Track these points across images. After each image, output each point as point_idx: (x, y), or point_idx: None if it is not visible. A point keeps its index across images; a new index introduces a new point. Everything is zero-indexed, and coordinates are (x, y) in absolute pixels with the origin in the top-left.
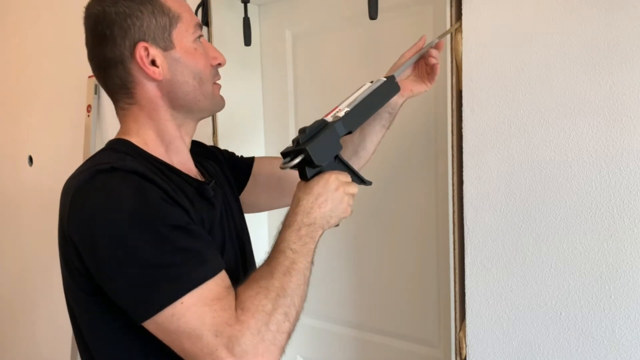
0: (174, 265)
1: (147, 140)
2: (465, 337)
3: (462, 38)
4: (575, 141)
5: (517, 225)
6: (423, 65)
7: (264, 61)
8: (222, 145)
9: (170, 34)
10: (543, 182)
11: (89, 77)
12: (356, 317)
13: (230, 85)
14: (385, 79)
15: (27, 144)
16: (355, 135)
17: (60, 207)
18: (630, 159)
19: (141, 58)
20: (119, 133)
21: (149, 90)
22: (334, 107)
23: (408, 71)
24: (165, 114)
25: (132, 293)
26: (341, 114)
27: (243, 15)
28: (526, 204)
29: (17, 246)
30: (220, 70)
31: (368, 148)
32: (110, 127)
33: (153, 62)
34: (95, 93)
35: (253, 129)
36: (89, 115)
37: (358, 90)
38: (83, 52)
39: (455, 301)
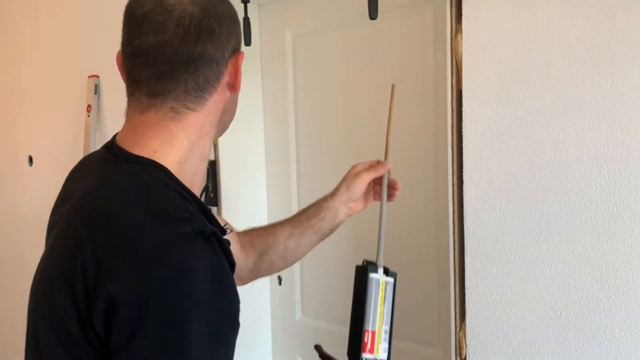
0: None
1: (181, 158)
2: (465, 337)
3: (462, 38)
4: (575, 141)
5: (517, 225)
6: (378, 188)
7: (264, 61)
8: (222, 145)
9: (239, 50)
10: (543, 182)
11: (89, 77)
12: None
13: None
14: (393, 280)
15: (27, 144)
16: (291, 241)
17: (89, 235)
18: (630, 159)
19: (239, 66)
20: (150, 140)
21: (221, 100)
22: (366, 329)
23: (362, 189)
24: (212, 129)
25: None
26: (384, 356)
27: (243, 15)
28: (526, 204)
29: (17, 246)
30: None
31: (299, 256)
32: (110, 127)
33: None
34: (95, 93)
35: (253, 128)
36: (89, 115)
37: (373, 295)
38: (83, 52)
39: (455, 301)
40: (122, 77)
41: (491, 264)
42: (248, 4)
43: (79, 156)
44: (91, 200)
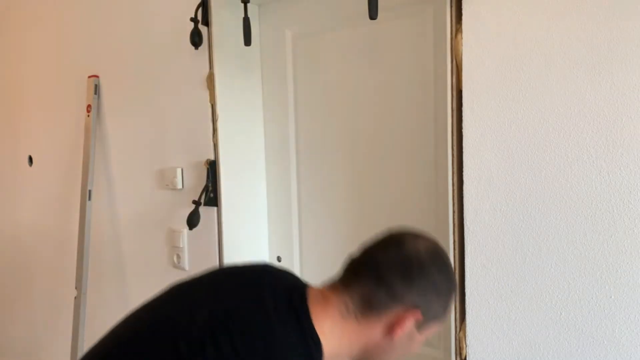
0: None
1: (330, 354)
2: (465, 337)
3: (462, 38)
4: (575, 141)
5: (517, 225)
6: None
7: (264, 61)
8: (222, 144)
9: (427, 324)
10: (543, 182)
11: (89, 77)
12: None
13: (230, 85)
14: None
15: (27, 144)
16: None
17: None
18: (630, 159)
19: (404, 319)
20: (326, 319)
21: (376, 332)
22: None
23: None
24: (355, 349)
25: None
26: None
27: (243, 15)
28: (526, 204)
29: (16, 246)
30: (220, 70)
31: None
32: (110, 127)
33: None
34: (95, 93)
35: (253, 128)
36: (88, 115)
37: None
38: (83, 52)
39: (455, 301)
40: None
41: (491, 264)
42: (248, 4)
43: (79, 156)
44: (254, 346)
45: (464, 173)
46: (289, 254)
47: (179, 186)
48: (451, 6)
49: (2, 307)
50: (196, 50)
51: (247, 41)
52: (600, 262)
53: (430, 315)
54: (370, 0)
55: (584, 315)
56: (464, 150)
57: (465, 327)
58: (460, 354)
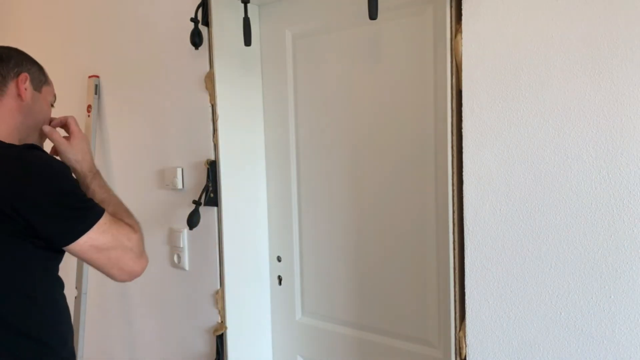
0: (89, 201)
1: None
2: (465, 337)
3: (462, 38)
4: (575, 141)
5: (517, 225)
6: None
7: (264, 61)
8: (222, 145)
9: (39, 85)
10: (543, 182)
11: (89, 77)
12: (356, 317)
13: (230, 85)
14: None
15: None
16: None
17: None
18: (630, 159)
19: (19, 82)
20: None
21: (13, 104)
22: None
23: None
24: (19, 121)
25: (73, 220)
26: None
27: (243, 15)
28: (526, 204)
29: None
30: (220, 70)
31: None
32: (110, 127)
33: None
34: (96, 93)
35: (253, 128)
36: (89, 115)
37: None
38: (83, 52)
39: (455, 301)
40: None
41: (491, 264)
42: (248, 4)
43: None
44: None
45: (464, 173)
46: (289, 254)
47: (179, 186)
48: (451, 6)
49: None
50: (196, 50)
51: (247, 41)
52: (599, 262)
53: (35, 77)
54: (370, 0)
55: (584, 315)
56: (464, 150)
57: (465, 327)
58: (460, 354)
